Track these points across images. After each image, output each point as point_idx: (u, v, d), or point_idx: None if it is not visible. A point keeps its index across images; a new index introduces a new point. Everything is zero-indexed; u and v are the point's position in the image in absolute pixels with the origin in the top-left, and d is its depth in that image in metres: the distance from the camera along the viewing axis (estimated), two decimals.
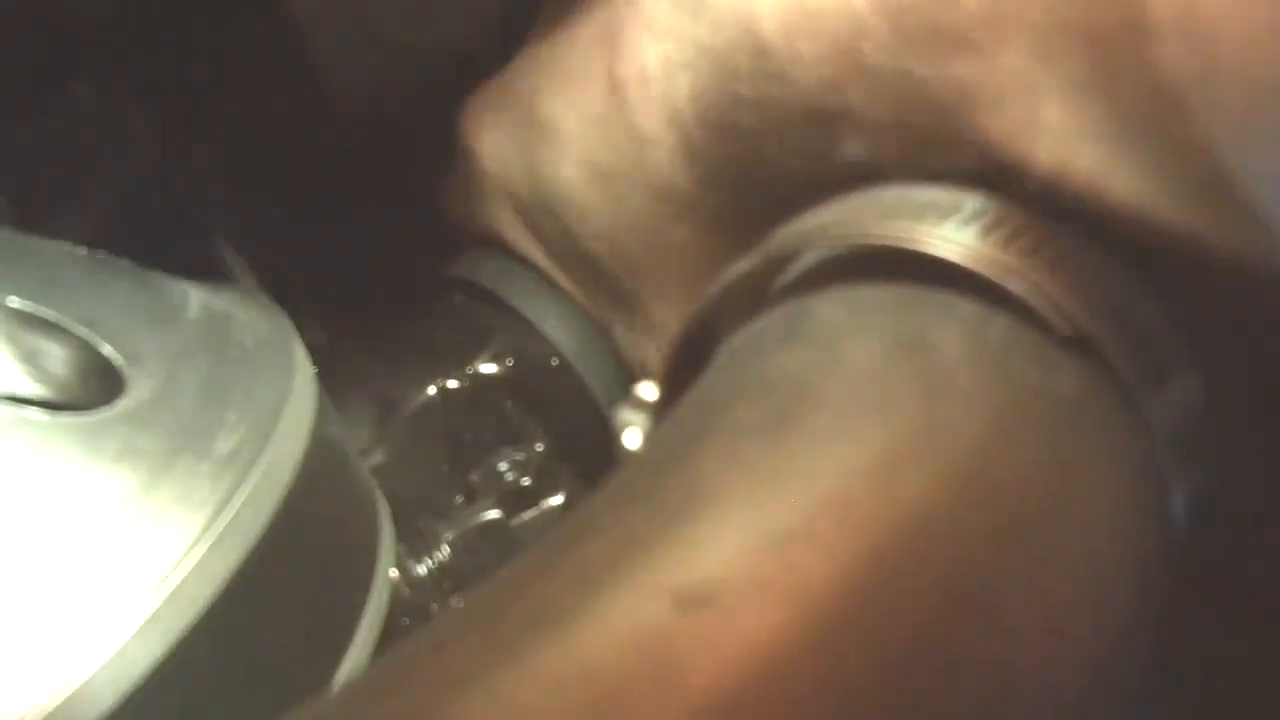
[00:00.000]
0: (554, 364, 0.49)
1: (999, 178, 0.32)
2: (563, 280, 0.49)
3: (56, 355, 0.36)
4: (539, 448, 0.49)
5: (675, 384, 0.35)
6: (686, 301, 0.35)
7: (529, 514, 0.47)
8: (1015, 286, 0.31)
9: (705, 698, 0.23)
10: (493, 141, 0.49)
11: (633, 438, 0.37)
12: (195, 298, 0.39)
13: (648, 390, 0.36)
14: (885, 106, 0.34)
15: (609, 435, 0.49)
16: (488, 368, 0.50)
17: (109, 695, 0.30)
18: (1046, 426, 0.29)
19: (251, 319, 0.39)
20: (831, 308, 0.31)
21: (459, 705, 0.23)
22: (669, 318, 0.43)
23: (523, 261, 0.50)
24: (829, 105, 0.35)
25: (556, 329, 0.49)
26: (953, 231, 0.31)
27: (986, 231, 0.31)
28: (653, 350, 0.45)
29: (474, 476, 0.48)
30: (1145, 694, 0.30)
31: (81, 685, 0.30)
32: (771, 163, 0.39)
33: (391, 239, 0.58)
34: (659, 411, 0.36)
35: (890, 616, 0.25)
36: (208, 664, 0.32)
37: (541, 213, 0.47)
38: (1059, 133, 0.31)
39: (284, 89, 0.56)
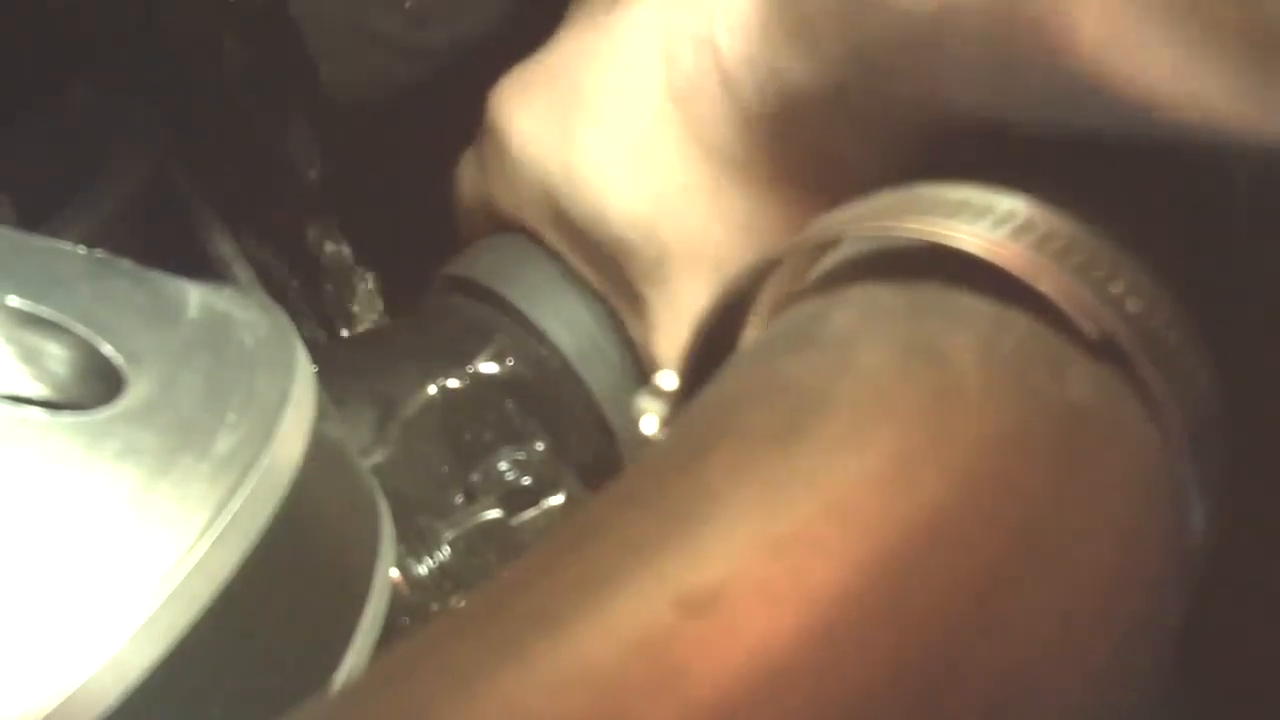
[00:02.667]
0: (555, 363, 0.49)
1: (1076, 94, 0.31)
2: (582, 267, 0.49)
3: (56, 354, 0.36)
4: (540, 447, 0.49)
5: (696, 372, 0.35)
6: (716, 283, 0.35)
7: (530, 513, 0.47)
8: (1045, 286, 0.30)
9: (707, 703, 0.23)
10: (528, 123, 0.49)
11: (649, 425, 0.36)
12: (195, 297, 0.39)
13: (667, 379, 0.36)
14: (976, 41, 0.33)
15: (610, 435, 0.49)
16: (488, 367, 0.50)
17: (109, 695, 0.30)
18: (1059, 436, 0.29)
19: (251, 318, 0.39)
20: (843, 312, 0.31)
21: (461, 704, 0.23)
22: (695, 300, 0.43)
23: (538, 251, 0.50)
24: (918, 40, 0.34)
25: (558, 327, 0.49)
26: (984, 230, 0.31)
27: (1019, 233, 0.31)
28: (670, 339, 0.45)
29: (474, 476, 0.48)
30: (1153, 701, 0.30)
31: (81, 685, 0.30)
32: (826, 130, 0.39)
33: (391, 238, 0.58)
34: (678, 400, 0.36)
35: (896, 623, 0.25)
36: (208, 664, 0.32)
37: (572, 194, 0.47)
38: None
39: (283, 88, 0.56)
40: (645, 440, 0.36)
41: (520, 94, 0.50)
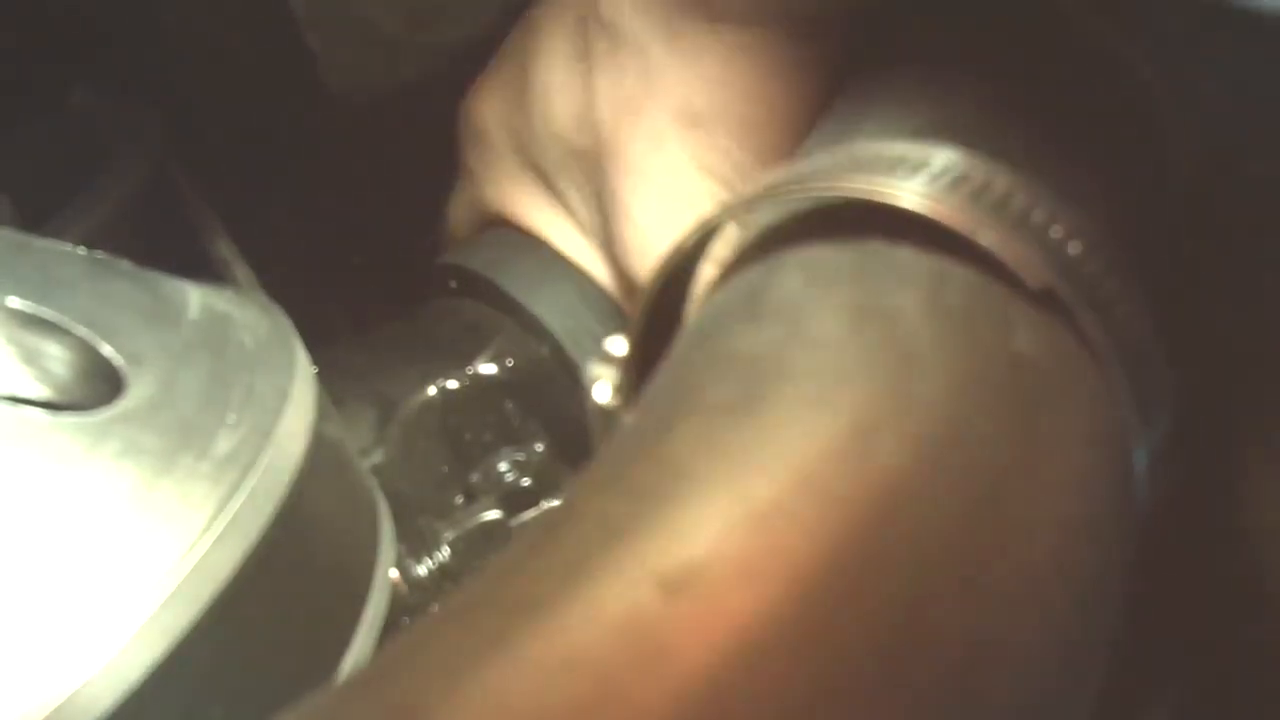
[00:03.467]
0: (553, 363, 0.49)
1: None
2: (567, 234, 0.49)
3: (57, 355, 0.36)
4: (539, 448, 0.49)
5: (647, 339, 0.35)
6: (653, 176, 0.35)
7: (529, 514, 0.47)
8: (984, 239, 0.31)
9: (693, 679, 0.24)
10: (494, 103, 0.51)
11: (601, 391, 0.37)
12: (195, 298, 0.39)
13: (617, 344, 0.36)
14: None
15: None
16: (488, 368, 0.50)
17: (109, 695, 0.30)
18: (1009, 387, 0.29)
19: (251, 319, 0.39)
20: (790, 278, 0.31)
21: (450, 696, 0.23)
22: (643, 200, 0.45)
23: (530, 242, 0.50)
24: None
25: (553, 315, 0.49)
26: (921, 185, 0.31)
27: (955, 186, 0.31)
28: (633, 240, 0.46)
29: (474, 477, 0.48)
30: (1117, 651, 0.30)
31: (82, 685, 0.30)
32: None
33: (392, 238, 0.58)
34: (629, 366, 0.36)
35: (871, 590, 0.25)
36: (208, 664, 0.32)
37: (535, 129, 0.49)
38: None
39: (283, 88, 0.56)
40: (599, 413, 0.37)
41: (481, 91, 0.52)
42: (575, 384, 0.49)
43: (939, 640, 0.26)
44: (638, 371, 0.35)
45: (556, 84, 0.48)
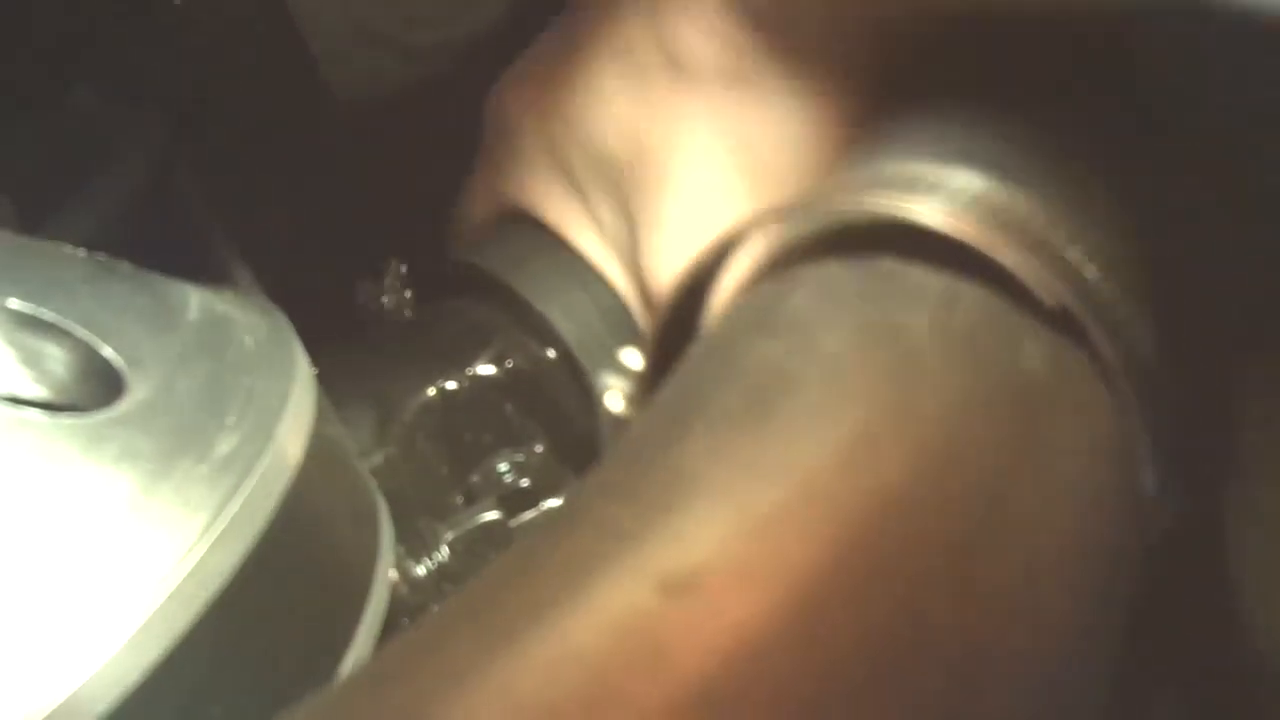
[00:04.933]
0: (554, 364, 0.50)
1: None
2: (587, 239, 0.49)
3: (56, 357, 0.36)
4: (538, 449, 0.49)
5: (663, 352, 0.35)
6: (692, 207, 0.36)
7: (529, 515, 0.47)
8: (1002, 257, 0.31)
9: (693, 681, 0.24)
10: (527, 98, 0.50)
11: (614, 401, 0.37)
12: (195, 299, 0.39)
13: (632, 357, 0.37)
14: None
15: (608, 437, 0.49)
16: (487, 369, 0.50)
17: (109, 696, 0.30)
18: (1015, 405, 0.30)
19: (251, 321, 0.39)
20: (802, 295, 0.32)
21: (458, 695, 0.24)
22: (682, 215, 0.44)
23: (546, 241, 0.50)
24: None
25: (561, 319, 0.49)
26: (937, 203, 0.32)
27: (970, 205, 0.32)
28: (661, 259, 0.46)
29: (474, 478, 0.48)
30: (1126, 668, 0.30)
31: (81, 686, 0.30)
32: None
33: (391, 239, 0.58)
34: (643, 378, 0.36)
35: (870, 597, 0.26)
36: (207, 666, 0.32)
37: (571, 133, 0.48)
38: None
39: (284, 88, 0.56)
40: (611, 422, 0.37)
41: (513, 87, 0.51)
42: (576, 385, 0.49)
43: (936, 648, 0.26)
44: (652, 383, 0.35)
45: (606, 102, 0.47)
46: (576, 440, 0.49)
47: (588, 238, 0.50)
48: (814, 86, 0.42)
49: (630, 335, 0.49)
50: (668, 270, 0.45)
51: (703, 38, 0.44)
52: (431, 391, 0.49)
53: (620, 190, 0.47)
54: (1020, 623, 0.28)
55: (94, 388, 0.35)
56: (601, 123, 0.47)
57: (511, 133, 0.51)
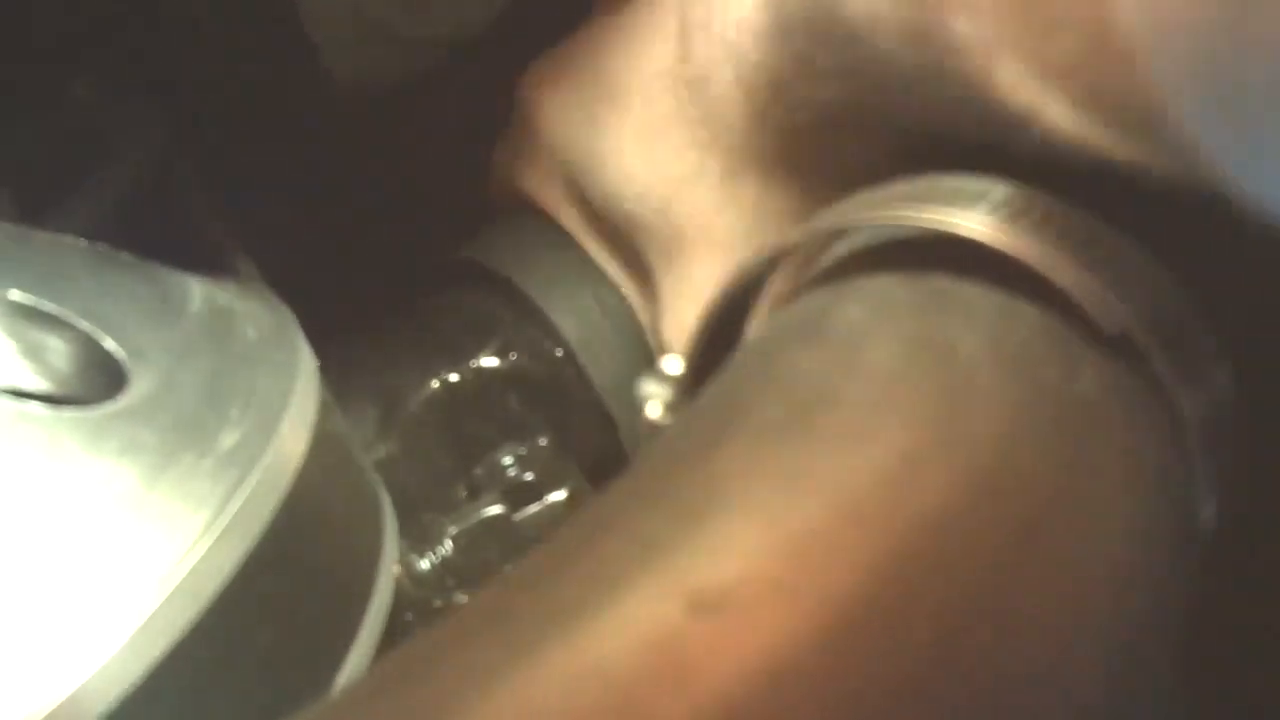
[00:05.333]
0: (558, 357, 0.49)
1: (1000, 132, 0.32)
2: (597, 248, 0.49)
3: (58, 349, 0.36)
4: (542, 442, 0.49)
5: (703, 358, 0.35)
6: (726, 265, 0.35)
7: (532, 509, 0.47)
8: (1059, 279, 0.30)
9: (718, 702, 0.23)
10: (554, 106, 0.49)
11: (653, 410, 0.36)
12: (198, 292, 0.39)
13: (673, 364, 0.36)
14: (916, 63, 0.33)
15: (614, 430, 0.49)
16: (490, 362, 0.50)
17: (110, 694, 0.30)
18: (1066, 429, 0.29)
19: (254, 313, 0.39)
20: (852, 306, 0.31)
21: (481, 699, 0.23)
22: (705, 283, 0.43)
23: (553, 236, 0.50)
24: (905, 64, 0.34)
25: (565, 315, 0.49)
26: (982, 215, 0.31)
27: (1015, 217, 0.31)
28: (679, 322, 0.45)
29: (477, 471, 0.48)
30: (1163, 698, 0.30)
31: (82, 684, 0.30)
32: (838, 124, 0.39)
33: (394, 231, 0.58)
34: (682, 386, 0.36)
35: (908, 621, 0.25)
36: (210, 661, 0.32)
37: (592, 174, 0.47)
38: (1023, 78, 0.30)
39: (286, 80, 0.56)
40: (649, 429, 0.36)
41: (548, 77, 0.50)
42: (580, 380, 0.49)
43: (975, 679, 0.25)
44: (691, 390, 0.35)
45: (625, 159, 0.46)
46: (581, 434, 0.49)
47: (596, 243, 0.49)
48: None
49: (634, 335, 0.49)
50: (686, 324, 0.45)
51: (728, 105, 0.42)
52: (435, 384, 0.49)
53: (638, 238, 0.46)
54: (1067, 662, 0.27)
55: (96, 380, 0.35)
56: (619, 181, 0.46)
57: (533, 136, 0.50)
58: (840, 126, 0.39)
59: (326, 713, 0.25)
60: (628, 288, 0.49)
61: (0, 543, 0.31)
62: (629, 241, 0.47)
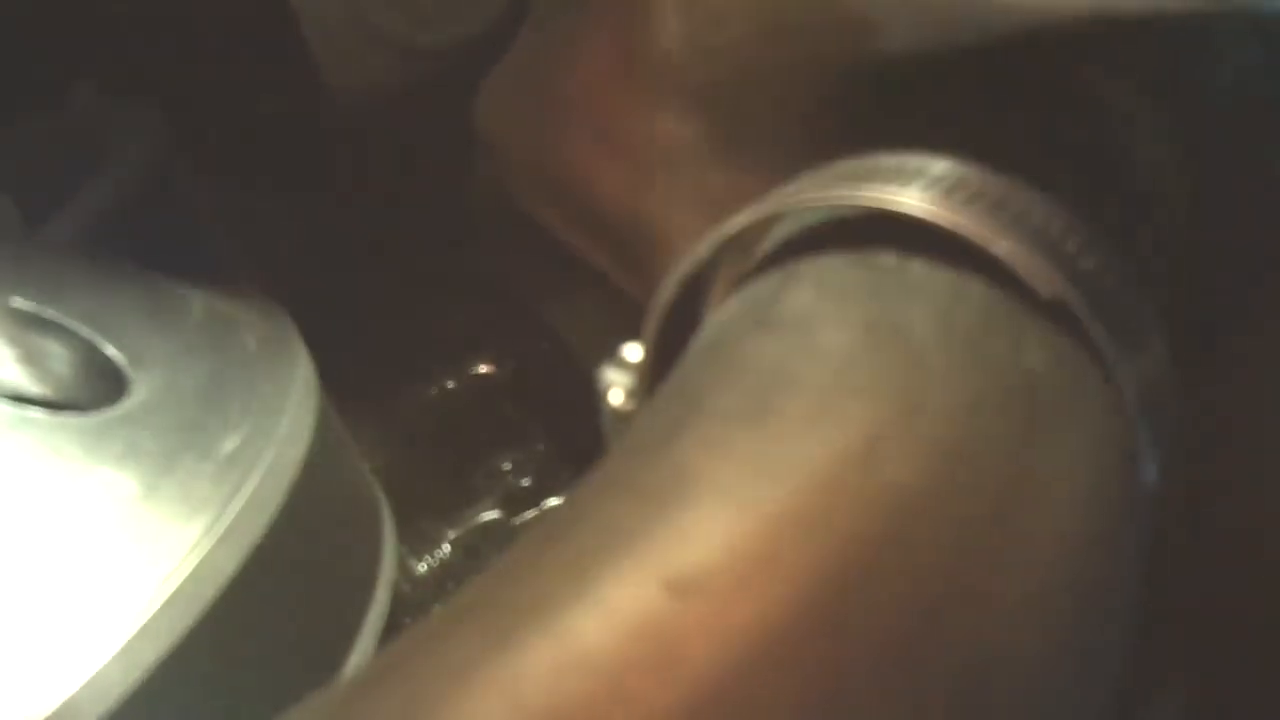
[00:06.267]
0: (554, 364, 0.49)
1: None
2: (593, 254, 0.49)
3: (59, 355, 0.36)
4: (539, 448, 0.49)
5: (662, 345, 0.35)
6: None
7: (529, 514, 0.47)
8: (998, 250, 0.31)
9: (702, 682, 0.24)
10: (512, 127, 0.50)
11: (615, 397, 0.37)
12: (198, 298, 0.39)
13: (633, 351, 0.37)
14: None
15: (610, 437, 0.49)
16: (488, 368, 0.50)
17: (111, 695, 0.30)
18: (1019, 403, 0.29)
19: (254, 319, 0.39)
20: (802, 290, 0.31)
21: (459, 697, 0.23)
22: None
23: (550, 242, 0.50)
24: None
25: (561, 323, 0.49)
26: (918, 191, 0.32)
27: (950, 191, 0.31)
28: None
29: (475, 477, 0.48)
30: (1132, 665, 0.30)
31: (83, 685, 0.30)
32: (748, 104, 0.40)
33: (392, 238, 0.58)
34: (643, 372, 0.36)
35: (879, 598, 0.26)
36: (210, 664, 0.32)
37: (562, 187, 0.47)
38: None
39: (284, 88, 0.56)
40: (613, 416, 0.37)
41: (499, 100, 0.50)
42: (576, 384, 0.49)
43: (943, 648, 0.26)
44: (653, 377, 0.35)
45: (593, 173, 0.46)
46: (577, 439, 0.49)
47: (588, 246, 0.50)
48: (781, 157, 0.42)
49: (630, 334, 0.49)
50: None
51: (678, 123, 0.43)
52: (433, 391, 0.49)
53: (623, 237, 0.47)
54: (1030, 629, 0.27)
55: (97, 386, 0.35)
56: (586, 186, 0.46)
57: (495, 151, 0.50)
58: (783, 104, 0.40)
59: (309, 713, 0.25)
60: (626, 288, 0.49)
61: (1, 547, 0.31)
62: (617, 241, 0.47)
